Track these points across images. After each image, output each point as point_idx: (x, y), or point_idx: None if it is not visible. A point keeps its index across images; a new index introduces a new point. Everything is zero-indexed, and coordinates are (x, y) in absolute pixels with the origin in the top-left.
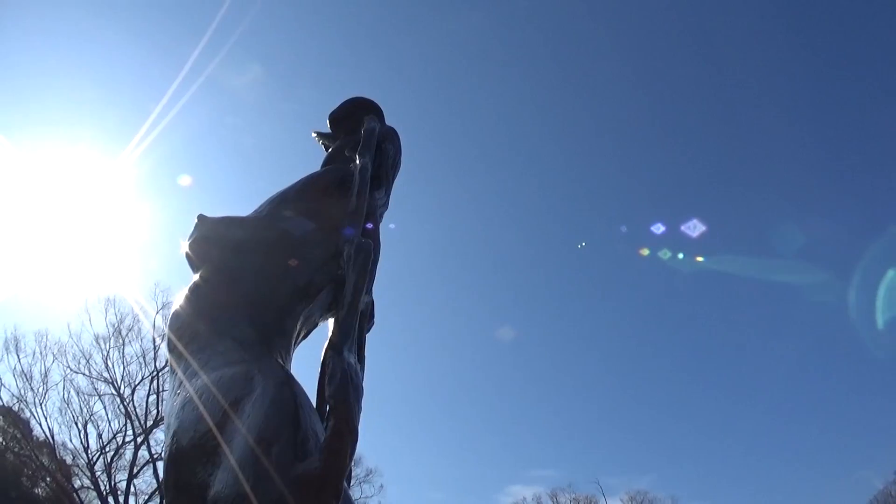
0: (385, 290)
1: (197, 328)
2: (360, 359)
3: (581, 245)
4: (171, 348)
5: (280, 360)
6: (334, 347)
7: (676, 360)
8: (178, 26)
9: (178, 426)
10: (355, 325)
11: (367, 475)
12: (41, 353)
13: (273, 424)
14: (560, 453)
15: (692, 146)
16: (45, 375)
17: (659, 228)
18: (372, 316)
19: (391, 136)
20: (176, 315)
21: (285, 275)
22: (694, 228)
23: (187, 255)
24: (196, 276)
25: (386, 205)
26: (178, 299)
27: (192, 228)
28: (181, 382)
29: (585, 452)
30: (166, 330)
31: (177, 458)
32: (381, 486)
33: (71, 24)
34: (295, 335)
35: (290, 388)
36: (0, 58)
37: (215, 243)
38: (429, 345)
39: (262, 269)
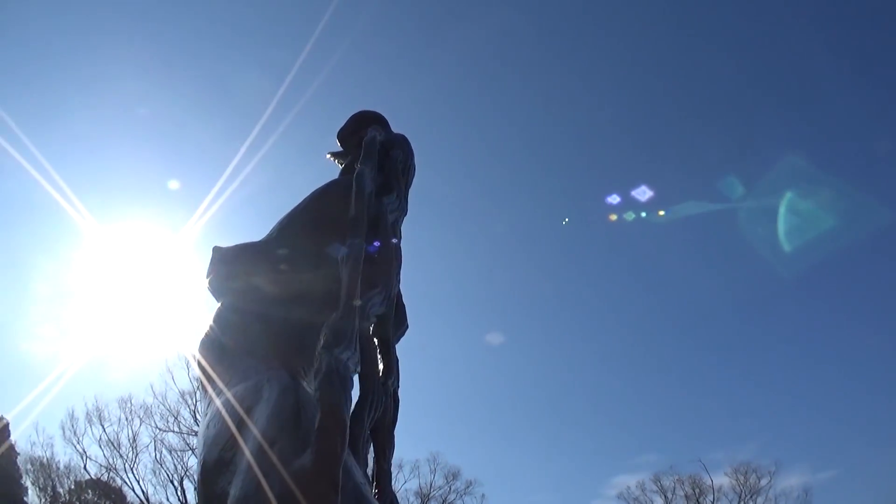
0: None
1: (223, 350)
2: (389, 367)
3: (564, 221)
4: (201, 371)
5: (296, 372)
6: (325, 346)
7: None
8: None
9: (203, 444)
10: (350, 326)
11: (467, 487)
12: (126, 418)
13: (275, 424)
14: (659, 436)
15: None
16: (134, 440)
17: (615, 199)
18: (403, 320)
19: (399, 143)
20: (203, 341)
21: (301, 296)
22: (643, 193)
23: (209, 288)
24: (219, 305)
25: (402, 209)
26: (204, 326)
27: (209, 261)
28: (209, 403)
29: (684, 431)
30: (196, 354)
31: (203, 474)
32: (483, 495)
33: (143, 100)
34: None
35: (293, 393)
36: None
37: (235, 277)
38: (505, 351)
39: (278, 295)
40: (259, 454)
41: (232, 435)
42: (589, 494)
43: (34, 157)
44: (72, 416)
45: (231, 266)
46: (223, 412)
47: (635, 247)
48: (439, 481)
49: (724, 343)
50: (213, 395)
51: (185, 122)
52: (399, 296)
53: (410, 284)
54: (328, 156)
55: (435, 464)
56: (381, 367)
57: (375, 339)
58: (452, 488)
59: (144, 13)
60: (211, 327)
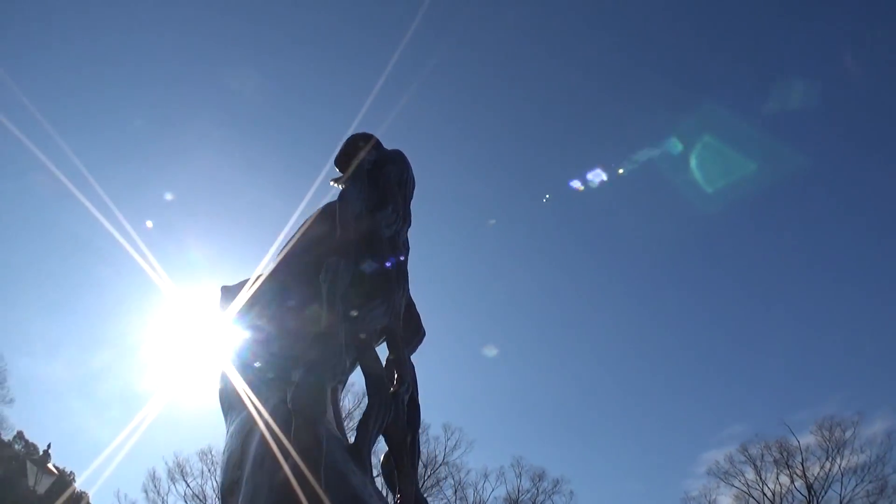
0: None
1: (238, 380)
2: (402, 376)
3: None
4: (220, 403)
5: None
6: (305, 363)
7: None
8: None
9: (220, 469)
10: (333, 342)
11: (555, 486)
12: (209, 470)
13: (265, 441)
14: (741, 406)
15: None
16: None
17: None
18: (417, 329)
19: (393, 159)
20: (222, 375)
21: (304, 322)
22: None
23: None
24: (235, 340)
25: (400, 220)
26: (223, 361)
27: (219, 299)
28: (226, 430)
29: (765, 397)
30: (217, 386)
31: (221, 497)
32: (571, 492)
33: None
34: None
35: (285, 409)
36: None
37: (245, 312)
38: (570, 346)
39: (284, 324)
40: (252, 470)
41: (239, 457)
42: (679, 475)
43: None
44: (153, 477)
45: (242, 302)
46: (234, 437)
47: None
48: (526, 484)
49: (788, 299)
50: (227, 423)
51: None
52: (411, 305)
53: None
54: (331, 182)
55: (520, 468)
56: (392, 375)
57: (388, 349)
58: (540, 489)
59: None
60: (230, 361)
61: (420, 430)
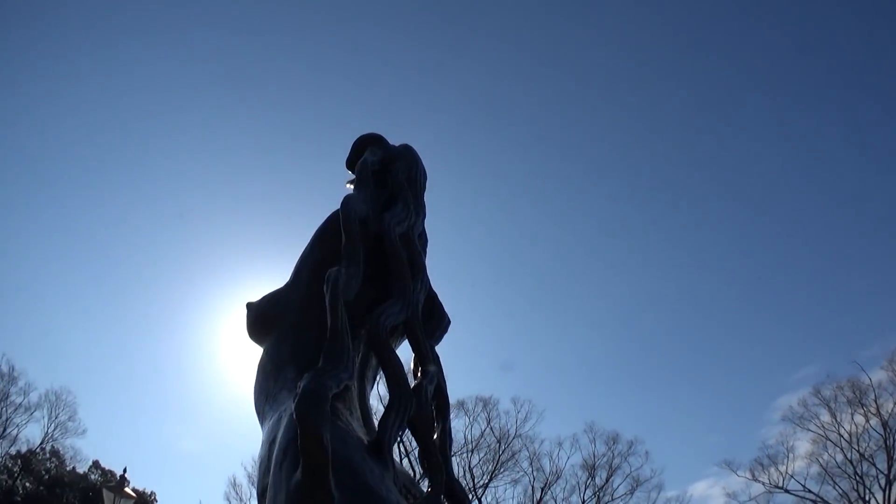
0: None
1: (268, 391)
2: (425, 369)
3: None
4: (256, 412)
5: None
6: (313, 370)
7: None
8: None
9: (256, 483)
10: (338, 348)
11: (630, 448)
12: None
13: (284, 442)
14: (811, 348)
15: None
16: None
17: None
18: (440, 318)
19: (400, 155)
20: (254, 385)
21: (322, 323)
22: None
23: (251, 338)
24: (262, 352)
25: (415, 213)
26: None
27: (245, 318)
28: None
29: (834, 335)
30: (253, 395)
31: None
32: (647, 452)
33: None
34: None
35: None
36: None
37: (264, 322)
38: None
39: (301, 326)
40: (274, 476)
41: (267, 465)
42: (755, 423)
43: None
44: (234, 483)
45: (264, 317)
46: (264, 445)
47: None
48: (601, 449)
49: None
50: (262, 430)
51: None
52: (432, 297)
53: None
54: (347, 185)
55: (593, 433)
56: (413, 370)
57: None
58: (615, 452)
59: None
60: (257, 371)
61: (450, 418)
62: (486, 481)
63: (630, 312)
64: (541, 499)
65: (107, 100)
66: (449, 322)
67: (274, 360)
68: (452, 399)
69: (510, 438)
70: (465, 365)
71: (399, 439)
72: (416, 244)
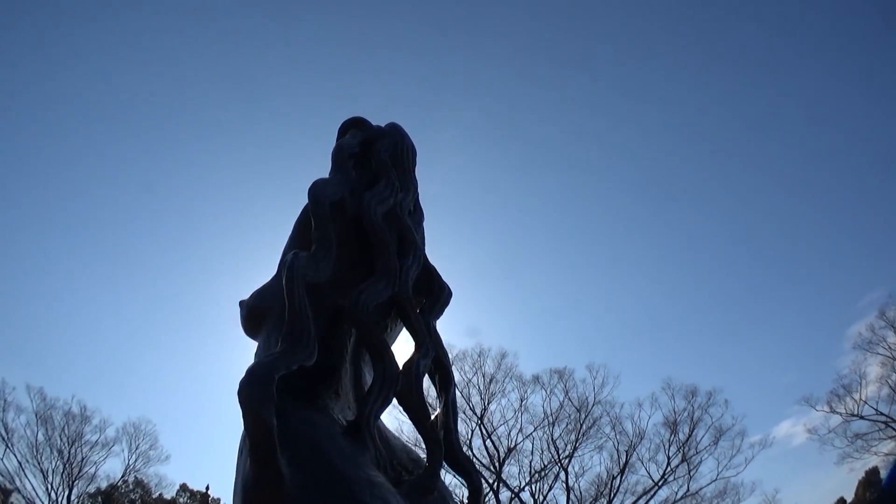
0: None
1: None
2: (420, 343)
3: None
4: None
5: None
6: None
7: None
8: None
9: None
10: (296, 330)
11: (709, 399)
12: None
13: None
14: (874, 270)
15: None
16: None
17: None
18: (439, 290)
19: (383, 133)
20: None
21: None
22: None
23: (247, 334)
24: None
25: (398, 193)
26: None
27: (240, 317)
28: None
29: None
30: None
31: None
32: (726, 401)
33: None
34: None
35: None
36: None
37: (255, 316)
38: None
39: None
40: (238, 462)
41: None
42: (830, 354)
43: None
44: None
45: (254, 311)
46: (242, 438)
47: None
48: (681, 404)
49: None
50: None
51: None
52: (430, 270)
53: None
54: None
55: (671, 389)
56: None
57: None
58: (695, 406)
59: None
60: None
61: (453, 390)
62: (571, 451)
63: (691, 263)
64: (627, 461)
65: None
66: (450, 293)
67: (265, 351)
68: (528, 375)
69: (590, 406)
70: (537, 339)
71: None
72: (404, 220)
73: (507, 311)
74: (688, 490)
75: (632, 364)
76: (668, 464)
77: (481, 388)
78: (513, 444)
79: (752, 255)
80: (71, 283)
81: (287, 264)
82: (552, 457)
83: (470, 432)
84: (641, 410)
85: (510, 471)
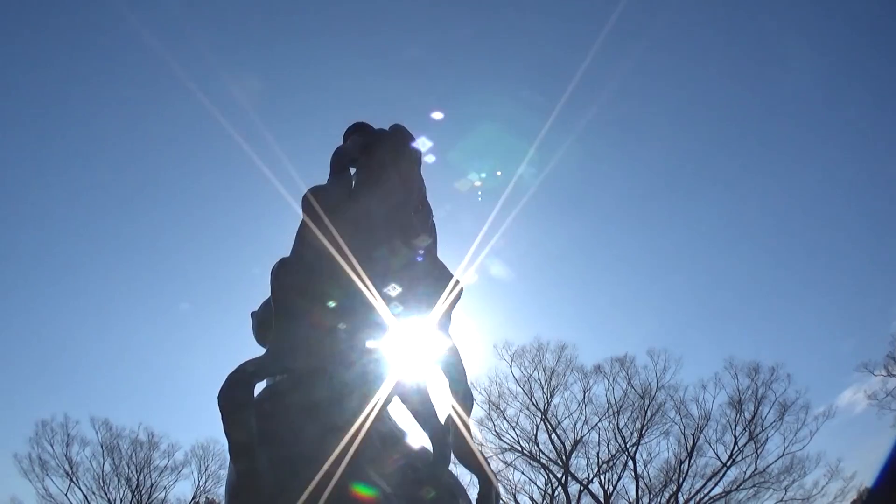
0: None
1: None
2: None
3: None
4: None
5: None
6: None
7: None
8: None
9: None
10: (277, 338)
11: (772, 375)
12: None
13: None
14: None
15: None
16: None
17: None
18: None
19: (382, 137)
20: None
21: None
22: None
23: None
24: None
25: (402, 193)
26: None
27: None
28: None
29: None
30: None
31: None
32: (788, 375)
33: None
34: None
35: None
36: None
37: (264, 326)
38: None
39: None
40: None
41: None
42: (887, 317)
43: None
44: None
45: (262, 321)
46: None
47: None
48: (744, 382)
49: None
50: None
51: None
52: (436, 268)
53: None
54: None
55: (733, 368)
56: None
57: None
58: (759, 382)
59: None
60: None
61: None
62: (637, 439)
63: (741, 237)
64: (694, 445)
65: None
66: (461, 287)
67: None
68: (589, 365)
69: (653, 392)
70: (595, 329)
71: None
72: (409, 219)
73: (562, 302)
74: (756, 468)
75: (693, 346)
76: (736, 443)
77: (543, 382)
78: (578, 436)
79: (803, 223)
80: (126, 310)
81: (272, 273)
82: (619, 446)
83: (535, 427)
84: (705, 392)
85: (578, 463)
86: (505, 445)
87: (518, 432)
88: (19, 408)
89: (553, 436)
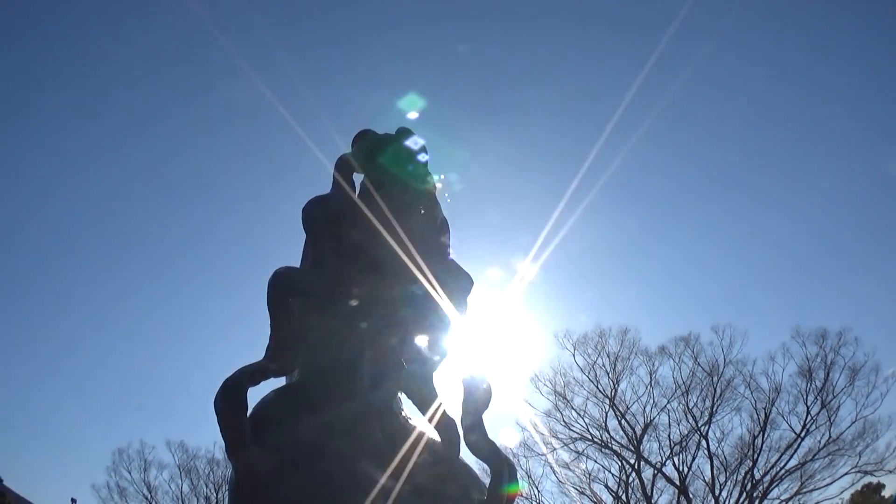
0: None
1: None
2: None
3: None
4: None
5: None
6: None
7: None
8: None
9: None
10: (271, 344)
11: (839, 340)
12: None
13: None
14: None
15: None
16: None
17: None
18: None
19: (381, 142)
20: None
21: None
22: None
23: None
24: None
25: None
26: None
27: None
28: None
29: None
30: None
31: None
32: (856, 338)
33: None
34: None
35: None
36: None
37: None
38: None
39: None
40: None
41: None
42: None
43: None
44: None
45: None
46: None
47: None
48: (813, 350)
49: None
50: None
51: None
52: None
53: None
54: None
55: (801, 337)
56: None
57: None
58: (827, 349)
59: None
60: None
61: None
62: (708, 418)
63: (797, 200)
64: (766, 418)
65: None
66: (471, 282)
67: None
68: (653, 347)
69: (721, 369)
70: (656, 310)
71: None
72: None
73: (619, 286)
74: (829, 437)
75: (757, 317)
76: (808, 413)
77: (608, 368)
78: (648, 419)
79: (862, 182)
80: (193, 330)
81: (269, 282)
82: (690, 426)
83: (604, 414)
84: (774, 364)
85: (650, 447)
86: (575, 435)
87: (587, 420)
88: (93, 440)
89: (623, 421)
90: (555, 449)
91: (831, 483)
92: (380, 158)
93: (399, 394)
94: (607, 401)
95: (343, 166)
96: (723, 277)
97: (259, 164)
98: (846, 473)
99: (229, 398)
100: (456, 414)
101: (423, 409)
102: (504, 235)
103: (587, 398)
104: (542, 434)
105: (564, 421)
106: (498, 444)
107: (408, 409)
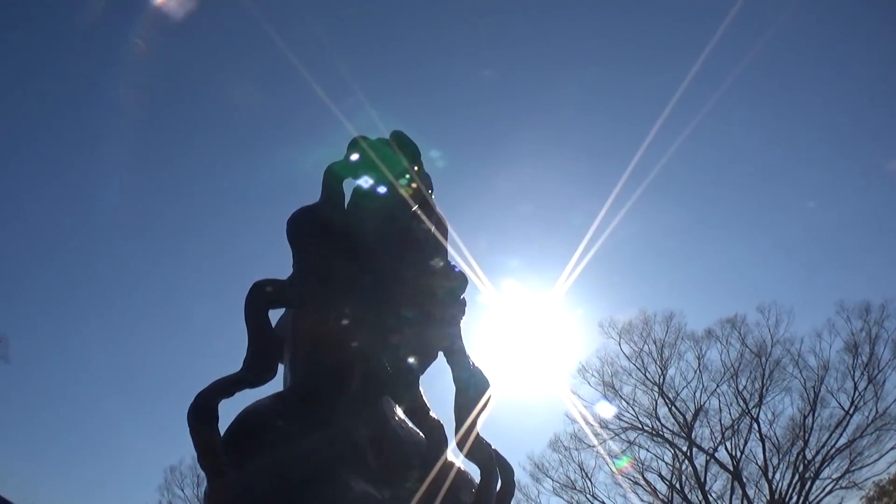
0: None
1: None
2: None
3: None
4: None
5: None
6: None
7: None
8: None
9: None
10: (248, 356)
11: (882, 312)
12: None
13: None
14: None
15: None
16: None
17: None
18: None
19: (352, 143)
20: None
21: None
22: None
23: None
24: None
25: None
26: None
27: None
28: None
29: None
30: None
31: None
32: None
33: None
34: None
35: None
36: None
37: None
38: None
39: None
40: None
41: None
42: None
43: None
44: None
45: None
46: None
47: None
48: (857, 325)
49: None
50: None
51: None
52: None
53: None
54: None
55: (844, 311)
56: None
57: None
58: (871, 322)
59: None
60: None
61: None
62: (759, 399)
63: (838, 173)
64: (816, 396)
65: None
66: (465, 279)
67: (284, 379)
68: (699, 331)
69: (769, 349)
70: (700, 293)
71: None
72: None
73: (663, 271)
74: (877, 412)
75: (802, 295)
76: (856, 389)
77: (655, 355)
78: (698, 404)
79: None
80: (234, 341)
81: (248, 294)
82: (741, 409)
83: (653, 402)
84: (821, 341)
85: (702, 433)
86: (625, 424)
87: (636, 409)
88: (145, 458)
89: (672, 408)
90: (605, 440)
91: (878, 459)
92: (370, 165)
93: (390, 400)
94: (656, 388)
95: (331, 175)
96: (764, 255)
97: (259, 164)
98: (893, 448)
99: (200, 411)
100: (451, 416)
101: (411, 415)
102: (550, 229)
103: (635, 387)
104: (592, 425)
105: (614, 411)
106: (493, 448)
107: (400, 413)
